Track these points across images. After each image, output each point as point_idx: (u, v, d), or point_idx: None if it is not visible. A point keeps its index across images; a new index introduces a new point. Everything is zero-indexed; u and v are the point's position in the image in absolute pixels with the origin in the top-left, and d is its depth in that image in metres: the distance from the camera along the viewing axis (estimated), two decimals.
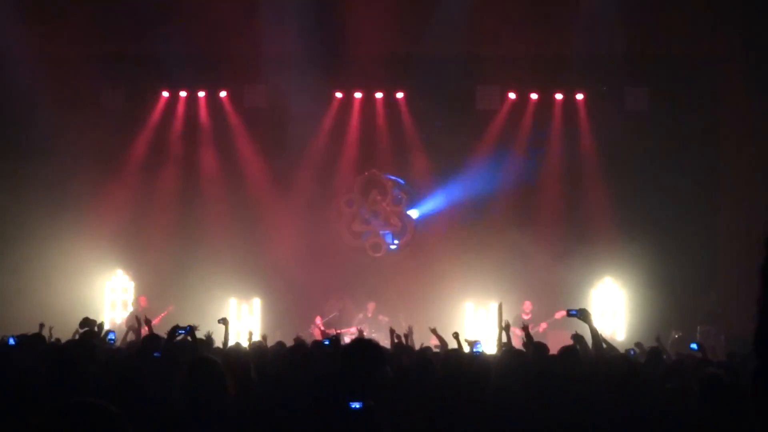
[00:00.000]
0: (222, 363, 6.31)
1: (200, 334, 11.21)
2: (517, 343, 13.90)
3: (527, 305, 21.66)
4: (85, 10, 21.86)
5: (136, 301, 21.97)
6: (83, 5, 21.88)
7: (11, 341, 11.67)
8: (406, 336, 13.64)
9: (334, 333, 17.55)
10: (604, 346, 9.81)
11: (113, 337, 13.80)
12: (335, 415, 5.87)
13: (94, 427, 3.45)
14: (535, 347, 10.73)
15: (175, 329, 10.29)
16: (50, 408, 3.49)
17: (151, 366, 8.60)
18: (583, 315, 10.03)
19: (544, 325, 21.13)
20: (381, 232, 24.34)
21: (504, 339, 12.63)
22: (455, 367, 8.24)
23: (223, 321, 13.33)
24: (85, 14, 21.87)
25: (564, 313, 18.78)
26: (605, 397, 7.16)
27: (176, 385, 6.30)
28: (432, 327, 13.92)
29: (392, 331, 13.36)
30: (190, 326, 10.50)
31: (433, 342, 14.18)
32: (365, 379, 6.17)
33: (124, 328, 17.68)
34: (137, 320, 14.22)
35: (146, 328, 13.02)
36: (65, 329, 14.18)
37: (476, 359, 9.89)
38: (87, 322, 13.23)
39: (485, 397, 6.76)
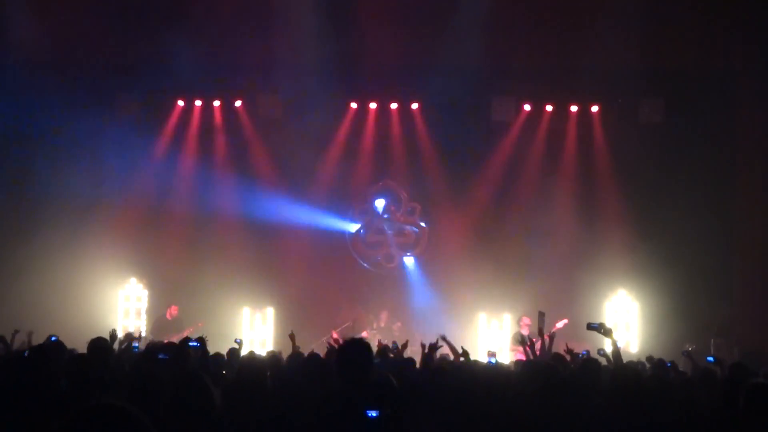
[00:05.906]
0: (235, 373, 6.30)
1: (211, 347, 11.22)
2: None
3: (525, 320, 20.49)
4: (97, 16, 21.94)
5: (168, 310, 22.01)
6: (96, 11, 21.94)
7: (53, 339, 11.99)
8: (404, 347, 13.51)
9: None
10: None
11: (137, 346, 13.92)
12: (353, 424, 5.88)
13: (118, 429, 3.44)
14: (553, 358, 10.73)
15: (187, 341, 10.33)
16: (71, 410, 3.47)
17: (157, 368, 8.63)
18: (604, 329, 9.88)
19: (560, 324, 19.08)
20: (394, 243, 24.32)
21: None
22: (471, 376, 8.25)
23: (239, 343, 13.59)
24: (99, 21, 21.97)
25: (566, 322, 18.85)
26: (617, 409, 7.20)
27: (162, 402, 6.31)
28: (441, 335, 13.51)
29: (423, 346, 13.08)
30: (199, 339, 10.47)
31: (445, 351, 14.09)
32: (361, 375, 6.22)
33: (140, 336, 17.75)
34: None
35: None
36: (79, 337, 14.08)
37: (493, 369, 9.90)
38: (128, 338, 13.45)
39: (503, 407, 6.76)
